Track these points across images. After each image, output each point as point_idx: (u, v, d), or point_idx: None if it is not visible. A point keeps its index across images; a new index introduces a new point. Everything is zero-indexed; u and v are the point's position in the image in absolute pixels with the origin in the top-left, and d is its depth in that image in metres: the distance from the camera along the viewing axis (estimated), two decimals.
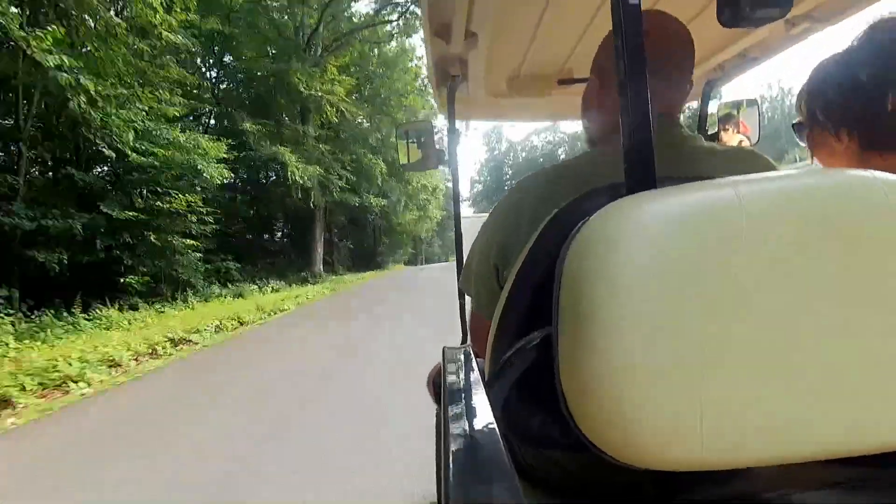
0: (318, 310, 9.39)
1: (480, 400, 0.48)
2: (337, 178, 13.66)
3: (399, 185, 20.33)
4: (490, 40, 1.11)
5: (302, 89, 12.02)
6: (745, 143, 1.52)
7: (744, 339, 0.35)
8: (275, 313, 8.91)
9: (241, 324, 7.80)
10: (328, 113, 13.00)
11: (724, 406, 0.35)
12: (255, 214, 18.25)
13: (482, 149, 60.37)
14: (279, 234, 19.09)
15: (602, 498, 0.54)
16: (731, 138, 1.59)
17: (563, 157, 47.76)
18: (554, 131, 51.77)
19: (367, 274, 19.67)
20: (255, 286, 12.30)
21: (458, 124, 1.45)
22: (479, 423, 0.42)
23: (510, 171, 55.80)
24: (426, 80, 17.46)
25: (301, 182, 11.72)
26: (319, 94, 12.31)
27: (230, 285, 11.58)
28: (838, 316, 0.35)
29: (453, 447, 0.36)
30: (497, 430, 0.39)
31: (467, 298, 0.88)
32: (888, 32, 0.63)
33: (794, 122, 0.79)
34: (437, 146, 1.48)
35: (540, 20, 1.08)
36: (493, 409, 0.44)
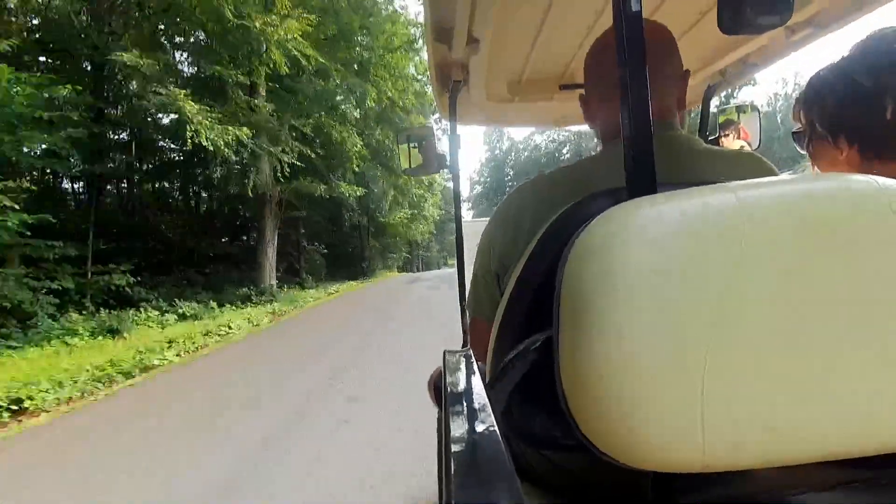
0: (214, 371, 5.22)
1: (481, 402, 0.46)
2: (284, 151, 9.35)
3: (385, 175, 16.13)
4: (492, 45, 1.08)
5: (230, 15, 7.97)
6: (746, 149, 1.41)
7: (744, 342, 0.35)
8: (126, 378, 4.79)
9: (17, 410, 3.72)
10: (277, 60, 8.93)
11: (724, 408, 0.35)
12: (188, 206, 14.14)
13: (482, 148, 57.45)
14: (225, 234, 14.86)
15: (603, 499, 0.54)
16: (731, 144, 1.57)
17: (567, 156, 45.51)
18: (558, 130, 48.25)
19: (343, 286, 15.40)
20: (160, 311, 8.20)
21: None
22: (480, 426, 0.42)
23: (511, 172, 52.92)
24: (419, 35, 13.58)
25: (211, 146, 7.39)
26: (258, 27, 8.25)
27: (114, 311, 7.50)
28: (838, 319, 0.35)
29: (455, 449, 0.36)
30: (498, 431, 0.39)
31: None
32: (885, 42, 0.63)
33: (793, 130, 0.79)
34: (439, 150, 1.44)
35: (542, 25, 1.06)
36: (494, 412, 0.43)
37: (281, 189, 11.20)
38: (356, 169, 12.65)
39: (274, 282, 10.98)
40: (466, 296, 0.86)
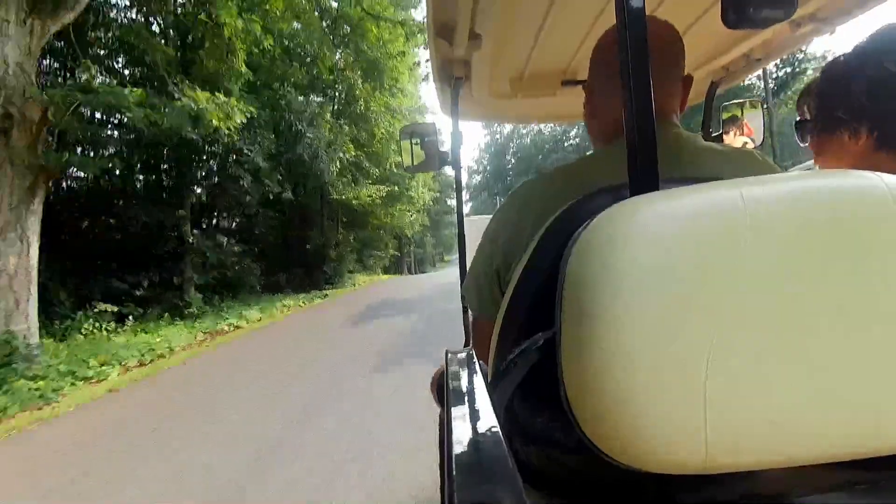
0: None
1: (483, 402, 0.46)
2: None
3: (332, 124, 9.26)
4: (494, 42, 1.10)
5: None
6: (749, 146, 1.45)
7: (748, 342, 0.35)
8: None
9: None
10: None
11: (727, 409, 0.34)
12: None
13: (482, 133, 52.08)
14: None
15: (604, 500, 0.53)
16: (734, 141, 1.55)
17: (575, 141, 40.07)
18: None
19: (262, 315, 8.30)
20: None
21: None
22: (482, 425, 0.41)
23: (513, 160, 48.85)
24: None
25: None
26: None
27: None
28: (842, 318, 0.35)
29: (456, 449, 0.36)
30: (500, 431, 0.39)
31: None
32: None
33: (796, 120, 0.80)
34: (441, 147, 1.47)
35: (544, 21, 1.07)
36: (496, 411, 0.43)
37: (51, 102, 4.66)
38: (244, 71, 6.07)
39: (28, 326, 4.47)
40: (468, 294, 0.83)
